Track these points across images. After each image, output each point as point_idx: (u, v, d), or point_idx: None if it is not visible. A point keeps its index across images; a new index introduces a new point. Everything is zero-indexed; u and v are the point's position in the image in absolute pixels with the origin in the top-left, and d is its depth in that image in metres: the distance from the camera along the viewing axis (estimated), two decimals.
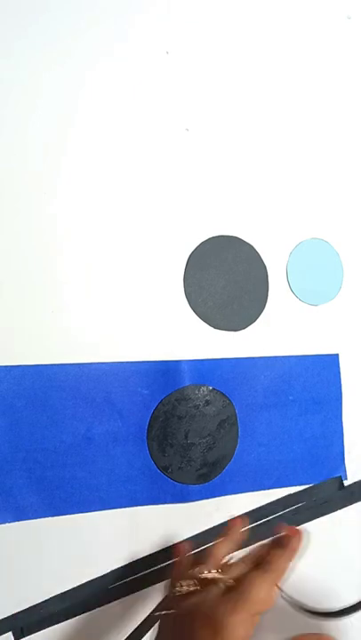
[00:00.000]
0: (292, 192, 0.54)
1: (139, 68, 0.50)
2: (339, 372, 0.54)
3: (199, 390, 0.49)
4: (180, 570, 0.40)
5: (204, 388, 0.49)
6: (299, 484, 0.52)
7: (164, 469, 0.47)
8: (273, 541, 0.40)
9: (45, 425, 0.45)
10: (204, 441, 0.49)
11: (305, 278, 0.54)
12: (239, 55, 0.54)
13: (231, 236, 0.52)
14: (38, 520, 0.45)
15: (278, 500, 0.51)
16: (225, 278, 0.51)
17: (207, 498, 0.49)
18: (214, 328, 0.51)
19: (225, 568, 0.38)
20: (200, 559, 0.39)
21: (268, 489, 0.51)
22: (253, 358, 0.51)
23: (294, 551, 0.39)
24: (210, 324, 0.51)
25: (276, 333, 0.52)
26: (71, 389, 0.46)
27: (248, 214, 0.53)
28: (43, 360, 0.46)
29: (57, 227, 0.47)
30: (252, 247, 0.53)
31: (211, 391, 0.49)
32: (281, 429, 0.51)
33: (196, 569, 0.38)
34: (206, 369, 0.49)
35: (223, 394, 0.50)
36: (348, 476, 0.54)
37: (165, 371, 0.48)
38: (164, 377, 0.48)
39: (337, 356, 0.53)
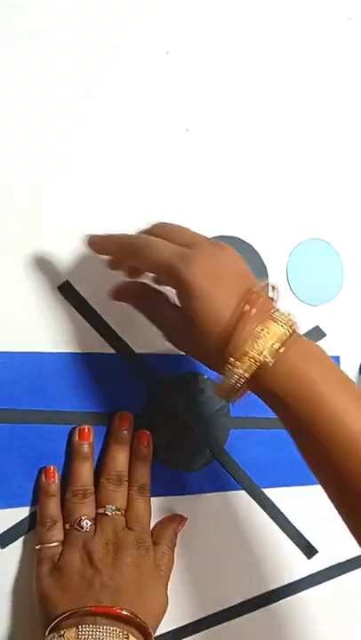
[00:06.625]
0: (293, 192, 0.54)
1: (139, 68, 0.51)
2: None
3: (196, 379, 0.49)
4: None
5: (200, 377, 0.50)
6: (297, 485, 0.51)
7: (159, 458, 0.48)
8: None
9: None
10: (198, 428, 0.49)
11: (305, 278, 0.54)
12: (239, 55, 0.54)
13: (231, 236, 0.52)
14: (33, 507, 0.45)
15: None
16: None
17: (204, 491, 0.49)
18: None
19: None
20: None
21: (266, 488, 0.51)
22: None
23: None
24: None
25: None
26: (70, 378, 0.46)
27: (248, 214, 0.53)
28: (44, 347, 0.45)
29: (56, 226, 0.47)
30: (252, 247, 0.52)
31: (206, 380, 0.50)
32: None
33: None
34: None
35: None
36: None
37: (161, 362, 0.48)
38: (161, 368, 0.49)
39: (338, 358, 0.53)
